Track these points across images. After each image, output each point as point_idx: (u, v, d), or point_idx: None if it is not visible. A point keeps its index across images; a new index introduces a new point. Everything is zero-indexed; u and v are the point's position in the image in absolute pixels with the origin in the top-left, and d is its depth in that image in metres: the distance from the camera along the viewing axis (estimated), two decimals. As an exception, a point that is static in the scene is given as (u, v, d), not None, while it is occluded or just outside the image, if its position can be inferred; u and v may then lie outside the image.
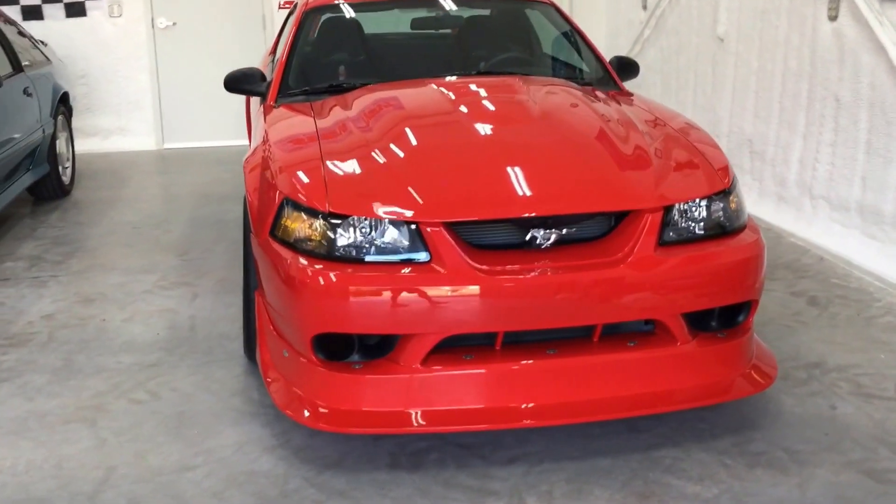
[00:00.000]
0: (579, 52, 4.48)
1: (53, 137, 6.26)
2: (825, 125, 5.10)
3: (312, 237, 2.85)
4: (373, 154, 3.09)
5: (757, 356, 3.12)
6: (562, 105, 3.64)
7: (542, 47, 4.74)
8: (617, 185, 2.98)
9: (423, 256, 2.78)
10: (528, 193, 2.89)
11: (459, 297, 2.73)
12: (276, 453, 2.96)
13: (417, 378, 2.79)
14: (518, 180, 2.94)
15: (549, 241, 2.83)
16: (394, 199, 2.86)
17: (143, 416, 3.24)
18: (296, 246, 2.87)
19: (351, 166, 3.06)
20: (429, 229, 2.77)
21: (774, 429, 3.03)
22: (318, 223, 2.85)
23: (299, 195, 2.93)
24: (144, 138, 8.47)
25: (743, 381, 2.99)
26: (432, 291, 2.73)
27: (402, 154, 3.09)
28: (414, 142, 3.19)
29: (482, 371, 2.80)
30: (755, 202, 5.84)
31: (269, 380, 3.02)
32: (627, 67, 4.47)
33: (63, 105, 6.61)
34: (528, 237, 2.83)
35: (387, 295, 2.74)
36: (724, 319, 3.06)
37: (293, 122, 3.57)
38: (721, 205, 3.00)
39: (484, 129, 3.31)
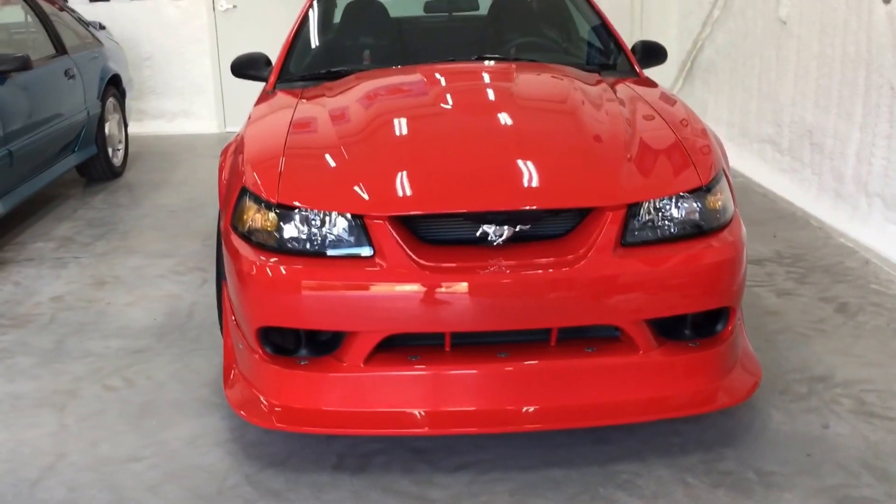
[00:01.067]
0: (599, 37, 4.26)
1: (101, 119, 6.36)
2: (881, 116, 4.74)
3: (262, 228, 2.77)
4: (336, 147, 2.97)
5: (742, 365, 2.89)
6: (546, 95, 3.45)
7: (568, 31, 4.53)
8: (577, 181, 2.78)
9: (366, 251, 2.66)
10: (481, 188, 2.73)
11: (399, 294, 2.61)
12: (226, 448, 2.89)
13: (359, 377, 2.67)
14: (474, 174, 2.78)
15: (502, 238, 2.66)
16: (343, 193, 2.74)
17: (111, 403, 3.22)
18: (248, 236, 2.80)
19: (311, 159, 2.97)
20: (373, 223, 2.65)
21: (753, 447, 2.80)
22: (268, 214, 2.77)
23: (254, 185, 2.86)
24: (207, 122, 8.56)
25: (715, 394, 2.77)
26: (371, 288, 2.61)
27: (364, 147, 2.96)
28: (380, 135, 3.05)
29: (426, 373, 2.67)
30: (814, 199, 5.48)
31: (229, 373, 2.95)
32: (653, 53, 4.23)
33: (115, 87, 6.70)
34: (479, 233, 2.67)
35: (325, 290, 2.64)
36: (701, 327, 2.84)
37: (274, 112, 3.48)
38: (697, 204, 2.77)
39: (456, 121, 3.15)
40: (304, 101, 3.50)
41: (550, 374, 2.69)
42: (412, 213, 2.67)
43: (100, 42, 6.66)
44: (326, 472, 2.73)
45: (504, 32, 4.42)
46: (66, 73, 5.81)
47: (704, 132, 3.14)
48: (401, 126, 3.15)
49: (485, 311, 2.62)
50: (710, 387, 2.77)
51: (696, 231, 2.76)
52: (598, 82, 3.59)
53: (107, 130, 6.50)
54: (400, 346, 2.73)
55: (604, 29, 4.26)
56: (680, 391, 2.74)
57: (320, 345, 2.78)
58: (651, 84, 3.84)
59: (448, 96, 3.37)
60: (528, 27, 4.49)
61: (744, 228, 2.91)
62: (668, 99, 3.52)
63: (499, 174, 2.78)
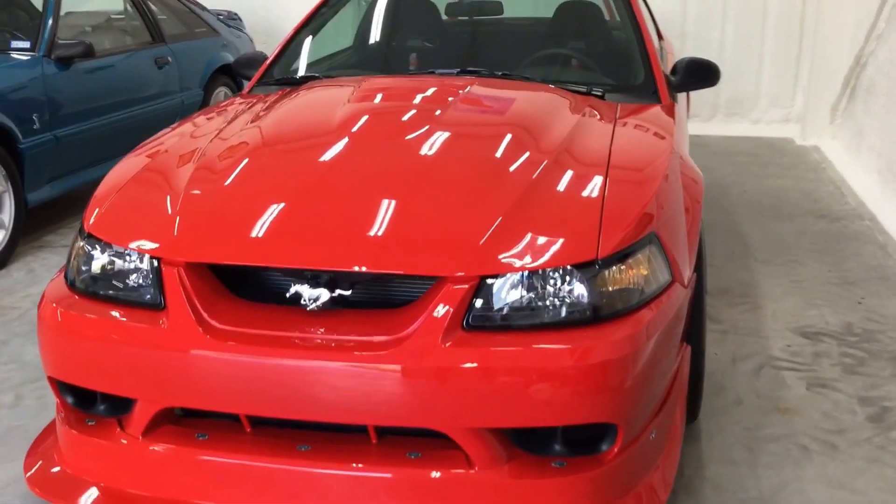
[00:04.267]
0: (631, 54, 3.56)
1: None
2: None
3: (74, 259, 2.43)
4: (183, 176, 2.55)
5: (637, 496, 2.21)
6: (466, 127, 2.86)
7: (598, 46, 3.89)
8: (415, 242, 2.21)
9: (157, 302, 2.24)
10: (294, 240, 2.23)
11: (173, 360, 2.16)
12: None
13: (136, 452, 2.26)
14: (294, 223, 2.28)
15: (318, 303, 2.15)
16: (149, 230, 2.33)
17: (-19, 422, 3.02)
18: (66, 269, 2.47)
19: (148, 189, 2.57)
20: (168, 269, 2.22)
21: None
22: (78, 245, 2.43)
23: (86, 210, 2.53)
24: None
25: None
26: (143, 348, 2.18)
27: (209, 179, 2.52)
28: (233, 167, 2.56)
29: (206, 458, 2.21)
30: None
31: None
32: (700, 72, 3.46)
33: (228, 77, 6.62)
34: (290, 294, 2.17)
35: (97, 344, 2.25)
36: (586, 442, 2.19)
37: (190, 123, 3.11)
38: (584, 281, 2.12)
39: (331, 158, 2.59)
40: (232, 111, 3.12)
41: (357, 482, 2.15)
42: (203, 261, 2.23)
43: (214, 32, 6.59)
44: (98, 550, 2.35)
45: (520, 45, 3.81)
46: (156, 60, 5.78)
47: (650, 193, 2.40)
48: (264, 157, 2.69)
49: (276, 393, 2.12)
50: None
51: (586, 317, 2.11)
52: (574, 111, 2.93)
53: (211, 118, 6.44)
54: (201, 419, 2.30)
55: (638, 45, 3.54)
56: None
57: (119, 404, 2.38)
58: (666, 113, 3.13)
59: (353, 124, 2.83)
60: (550, 41, 3.86)
61: (668, 315, 2.23)
62: (652, 139, 2.84)
63: (322, 225, 2.26)
